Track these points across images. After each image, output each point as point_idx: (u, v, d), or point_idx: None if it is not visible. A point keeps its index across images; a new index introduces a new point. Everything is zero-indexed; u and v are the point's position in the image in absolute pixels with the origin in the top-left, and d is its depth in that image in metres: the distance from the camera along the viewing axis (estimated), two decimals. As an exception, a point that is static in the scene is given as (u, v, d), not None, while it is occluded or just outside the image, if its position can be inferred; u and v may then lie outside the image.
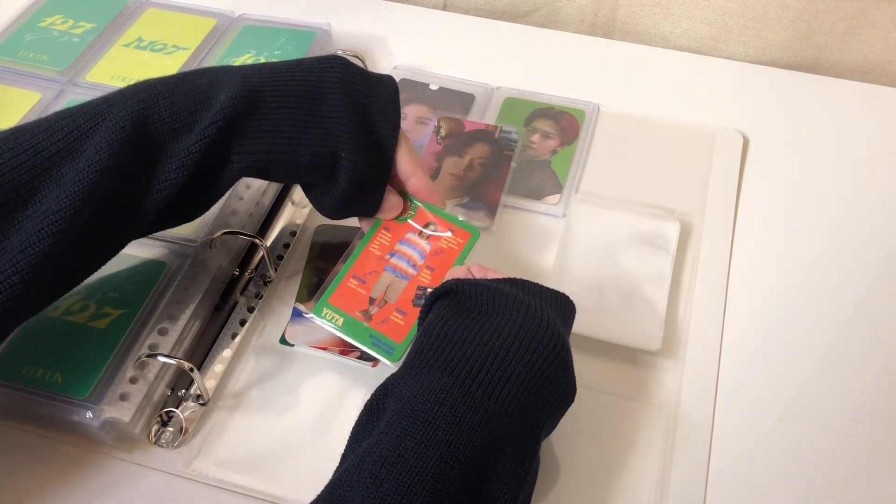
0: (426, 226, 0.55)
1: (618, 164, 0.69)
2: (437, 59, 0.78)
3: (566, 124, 0.72)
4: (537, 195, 0.67)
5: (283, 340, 0.58)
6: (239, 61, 0.74)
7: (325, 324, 0.53)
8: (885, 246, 0.64)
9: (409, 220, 0.56)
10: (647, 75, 0.78)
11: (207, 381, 0.56)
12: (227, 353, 0.57)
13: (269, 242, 0.64)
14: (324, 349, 0.57)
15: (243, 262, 0.63)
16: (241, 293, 0.61)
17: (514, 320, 0.44)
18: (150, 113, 0.46)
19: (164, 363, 0.54)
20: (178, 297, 0.57)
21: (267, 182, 0.65)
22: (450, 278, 0.49)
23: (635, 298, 0.59)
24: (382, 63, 0.78)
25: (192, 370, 0.53)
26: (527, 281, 0.48)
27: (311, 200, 0.56)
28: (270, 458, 0.53)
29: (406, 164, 0.54)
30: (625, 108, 0.74)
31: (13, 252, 0.42)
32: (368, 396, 0.55)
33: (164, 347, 0.54)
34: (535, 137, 0.71)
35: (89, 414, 0.51)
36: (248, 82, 0.48)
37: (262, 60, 0.74)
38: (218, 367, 0.57)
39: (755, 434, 0.54)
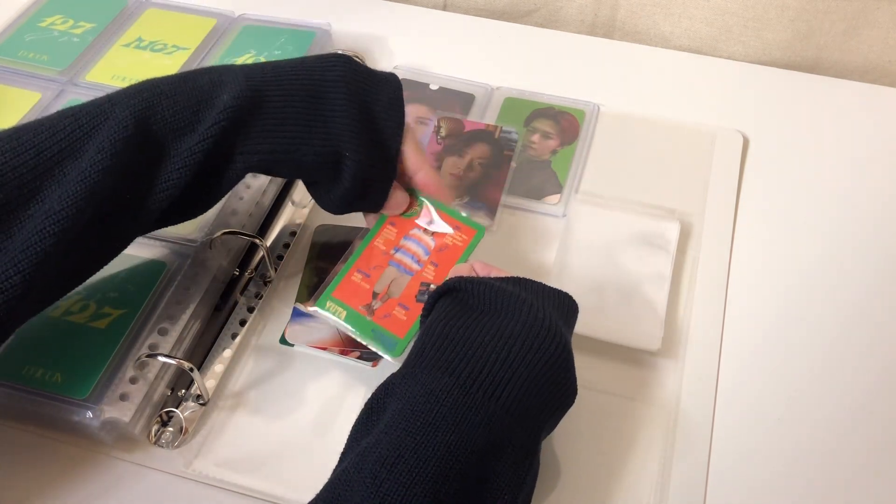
0: (431, 222, 0.55)
1: (618, 164, 0.69)
2: (437, 59, 0.78)
3: (566, 124, 0.72)
4: (537, 195, 0.67)
5: (283, 340, 0.58)
6: (239, 61, 0.74)
7: (328, 316, 0.53)
8: (885, 246, 0.64)
9: (415, 217, 0.56)
10: (647, 75, 0.78)
11: (207, 381, 0.56)
12: (227, 353, 0.57)
13: (269, 242, 0.64)
14: (324, 349, 0.57)
15: (243, 262, 0.63)
16: (241, 293, 0.61)
17: (517, 320, 0.44)
18: (152, 112, 0.46)
19: (164, 363, 0.54)
20: (178, 297, 0.57)
21: (267, 182, 0.65)
22: (453, 276, 0.49)
23: (635, 298, 0.59)
24: (382, 63, 0.78)
25: (192, 370, 0.53)
26: (530, 280, 0.48)
27: (314, 197, 0.56)
28: (270, 458, 0.53)
29: (413, 159, 0.54)
30: (625, 108, 0.74)
31: (15, 251, 0.42)
32: (368, 396, 0.55)
33: (164, 347, 0.54)
34: (535, 137, 0.71)
35: (89, 414, 0.51)
36: (251, 82, 0.48)
37: (263, 60, 0.74)
38: (218, 367, 0.57)
39: (755, 434, 0.54)
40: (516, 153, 0.69)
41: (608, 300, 0.59)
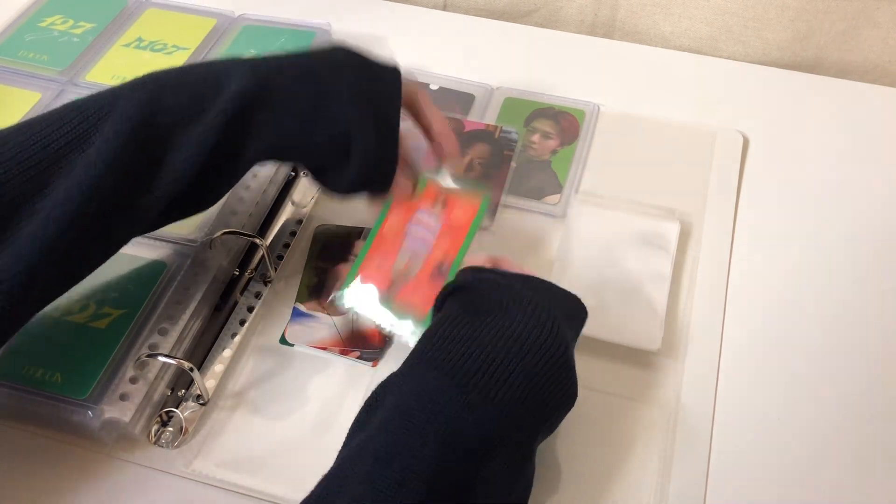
0: (437, 199, 0.56)
1: (618, 164, 0.69)
2: (437, 59, 0.78)
3: (566, 124, 0.72)
4: (537, 195, 0.67)
5: (283, 340, 0.58)
6: (239, 61, 0.74)
7: (351, 305, 0.54)
8: (884, 246, 0.64)
9: (420, 197, 0.57)
10: (647, 75, 0.78)
11: (207, 381, 0.56)
12: (227, 353, 0.57)
13: (269, 242, 0.64)
14: (324, 349, 0.57)
15: (243, 262, 0.63)
16: (241, 293, 0.61)
17: (519, 321, 0.44)
18: (157, 103, 0.46)
19: (164, 363, 0.54)
20: (178, 297, 0.57)
21: (267, 182, 0.65)
22: (467, 266, 0.50)
23: (635, 298, 0.59)
24: (382, 63, 0.78)
25: (192, 370, 0.53)
26: (539, 279, 0.48)
27: (320, 182, 0.56)
28: (270, 458, 0.53)
29: (426, 115, 0.56)
30: (625, 108, 0.74)
31: (21, 244, 0.42)
32: (368, 396, 0.55)
33: (164, 347, 0.54)
34: (535, 137, 0.71)
35: (89, 414, 0.51)
36: (256, 72, 0.49)
37: (262, 60, 0.74)
38: (218, 367, 0.57)
39: (755, 434, 0.54)
40: (516, 153, 0.69)
41: (608, 300, 0.59)
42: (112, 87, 0.48)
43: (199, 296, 0.58)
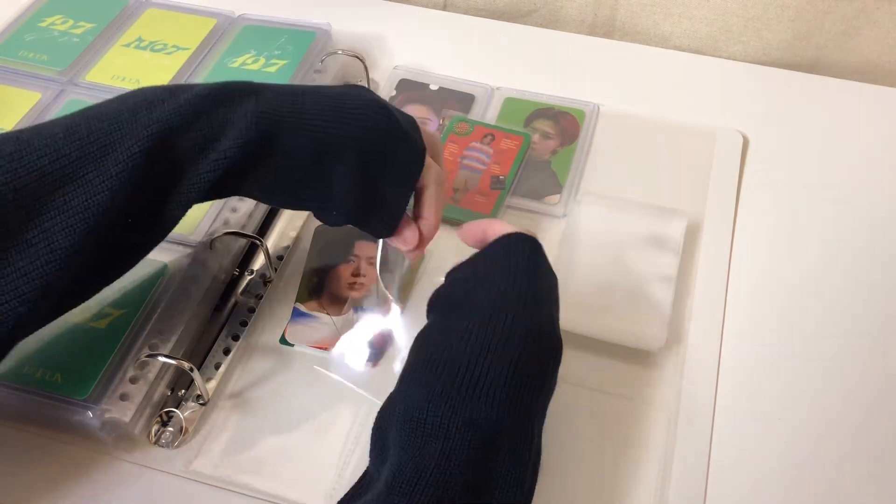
0: (485, 137, 0.70)
1: (618, 164, 0.69)
2: (437, 59, 0.78)
3: (566, 124, 0.72)
4: (537, 195, 0.67)
5: (283, 340, 0.58)
6: (239, 61, 0.74)
7: None
8: (885, 245, 0.64)
9: (470, 136, 0.70)
10: (647, 75, 0.78)
11: (207, 382, 0.56)
12: (227, 353, 0.57)
13: (269, 242, 0.64)
14: (324, 349, 0.57)
15: (243, 262, 0.63)
16: (241, 293, 0.61)
17: (487, 312, 0.45)
18: (162, 146, 0.45)
19: (164, 363, 0.54)
20: (178, 298, 0.57)
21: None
22: (466, 230, 0.51)
23: (637, 298, 0.59)
24: (382, 63, 0.78)
25: (192, 370, 0.53)
26: (502, 249, 0.49)
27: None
28: (270, 458, 0.53)
29: (423, 208, 0.53)
30: (625, 108, 0.74)
31: (16, 281, 0.42)
32: (368, 396, 0.55)
33: (164, 347, 0.54)
34: (535, 137, 0.71)
35: (89, 414, 0.51)
36: (261, 123, 0.46)
37: (262, 61, 0.74)
38: (218, 368, 0.57)
39: (755, 434, 0.54)
40: (521, 155, 0.69)
41: (609, 300, 0.59)
42: (115, 107, 0.45)
43: (199, 296, 0.58)
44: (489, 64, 0.78)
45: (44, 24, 0.79)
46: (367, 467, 0.45)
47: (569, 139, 0.71)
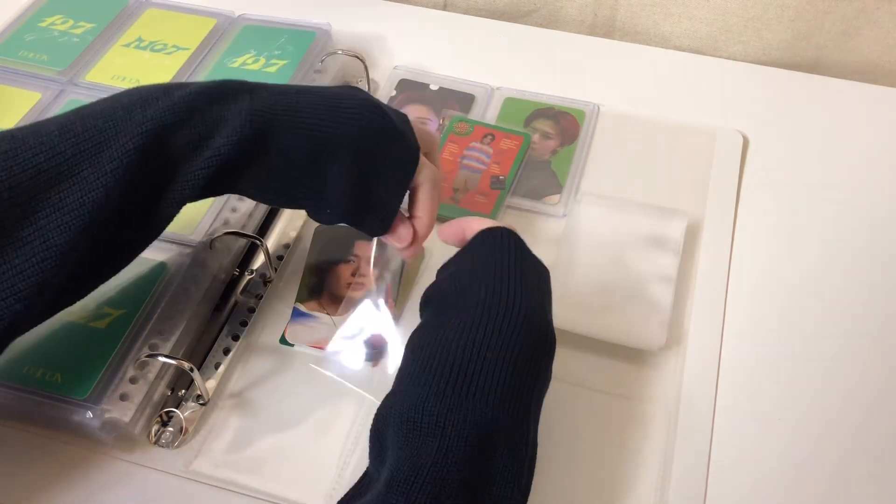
0: (485, 137, 0.69)
1: (618, 164, 0.69)
2: (437, 59, 0.78)
3: (566, 124, 0.72)
4: (537, 195, 0.67)
5: (283, 340, 0.58)
6: (239, 61, 0.74)
7: None
8: (885, 245, 0.64)
9: (470, 136, 0.70)
10: (647, 75, 0.78)
11: (207, 381, 0.56)
12: (227, 353, 0.57)
13: (269, 242, 0.64)
14: (324, 349, 0.57)
15: (243, 262, 0.63)
16: (241, 293, 0.61)
17: (475, 306, 0.45)
18: (157, 144, 0.45)
19: (165, 363, 0.54)
20: (178, 297, 0.57)
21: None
22: (444, 231, 0.52)
23: (637, 298, 0.59)
24: (382, 63, 0.78)
25: (192, 370, 0.53)
26: (485, 244, 0.49)
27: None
28: (270, 458, 0.53)
29: (419, 205, 0.53)
30: (625, 108, 0.74)
31: (12, 279, 0.42)
32: (368, 396, 0.55)
33: (164, 347, 0.54)
34: (536, 137, 0.71)
35: (89, 414, 0.51)
36: (255, 121, 0.46)
37: (262, 61, 0.74)
38: (218, 368, 0.57)
39: (755, 433, 0.54)
40: (521, 155, 0.69)
41: (610, 300, 0.59)
42: (111, 105, 0.45)
43: (199, 296, 0.58)
44: (489, 64, 0.78)
45: (44, 24, 0.79)
46: (367, 468, 0.45)
47: (569, 139, 0.71)
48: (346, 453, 0.53)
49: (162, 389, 0.55)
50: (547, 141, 0.71)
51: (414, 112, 0.73)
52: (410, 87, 0.76)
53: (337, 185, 0.49)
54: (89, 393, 0.52)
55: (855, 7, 0.75)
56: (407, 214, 0.54)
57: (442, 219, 0.63)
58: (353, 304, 0.59)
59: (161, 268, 0.59)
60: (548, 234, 0.64)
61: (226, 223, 0.62)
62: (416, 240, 0.53)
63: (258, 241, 0.61)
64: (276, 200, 0.52)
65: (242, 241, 0.63)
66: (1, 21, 0.80)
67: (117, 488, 0.51)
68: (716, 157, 0.70)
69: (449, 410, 0.41)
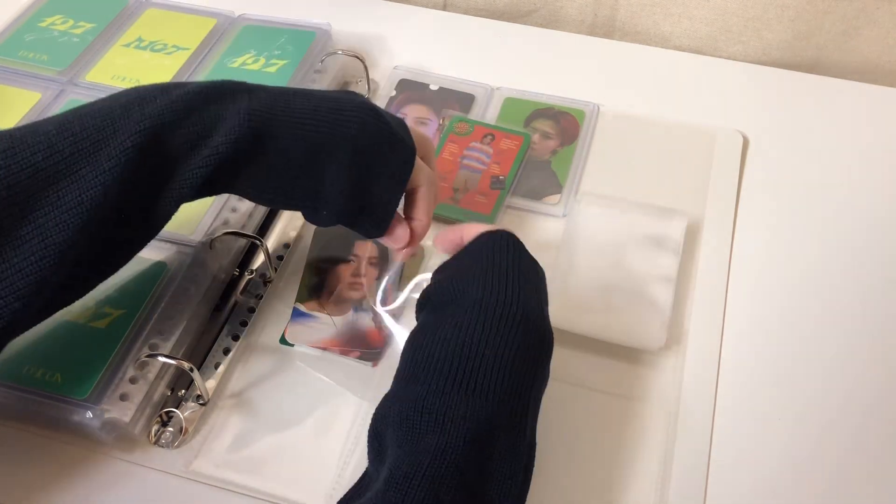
0: (485, 137, 0.69)
1: (618, 164, 0.69)
2: (437, 59, 0.78)
3: (566, 124, 0.72)
4: (537, 195, 0.67)
5: (283, 340, 0.58)
6: (239, 61, 0.74)
7: None
8: (885, 245, 0.64)
9: (470, 136, 0.70)
10: (647, 75, 0.78)
11: (207, 381, 0.56)
12: (227, 353, 0.57)
13: (269, 242, 0.64)
14: (324, 349, 0.57)
15: (243, 262, 0.63)
16: (241, 293, 0.61)
17: (473, 303, 0.45)
18: (155, 142, 0.45)
19: (164, 363, 0.54)
20: (178, 297, 0.57)
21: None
22: (443, 236, 0.51)
23: (637, 299, 0.59)
24: (382, 63, 0.78)
25: (192, 370, 0.53)
26: (484, 245, 0.49)
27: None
28: (270, 458, 0.53)
29: (416, 208, 0.53)
30: (625, 108, 0.74)
31: (11, 277, 0.42)
32: (368, 396, 0.55)
33: (164, 347, 0.54)
34: (535, 137, 0.71)
35: (89, 414, 0.51)
36: (253, 120, 0.46)
37: (262, 61, 0.74)
38: (218, 368, 0.57)
39: (755, 433, 0.54)
40: (521, 155, 0.69)
41: (610, 300, 0.59)
42: (109, 104, 0.46)
43: (199, 296, 0.58)
44: (489, 64, 0.78)
45: (44, 24, 0.79)
46: (367, 468, 0.45)
47: (569, 139, 0.71)
48: (346, 453, 0.53)
49: (162, 389, 0.55)
50: (547, 141, 0.71)
51: (414, 112, 0.73)
52: (410, 87, 0.76)
53: (334, 186, 0.49)
54: (89, 393, 0.52)
55: (855, 7, 0.75)
56: (403, 216, 0.54)
57: (441, 219, 0.64)
58: (353, 304, 0.59)
59: (161, 268, 0.59)
60: (548, 234, 0.64)
61: (226, 223, 0.62)
62: (413, 241, 0.54)
63: (258, 241, 0.61)
64: (273, 201, 0.52)
65: (242, 241, 0.63)
66: (1, 21, 0.80)
67: (117, 488, 0.51)
68: (716, 157, 0.70)
69: (448, 407, 0.41)
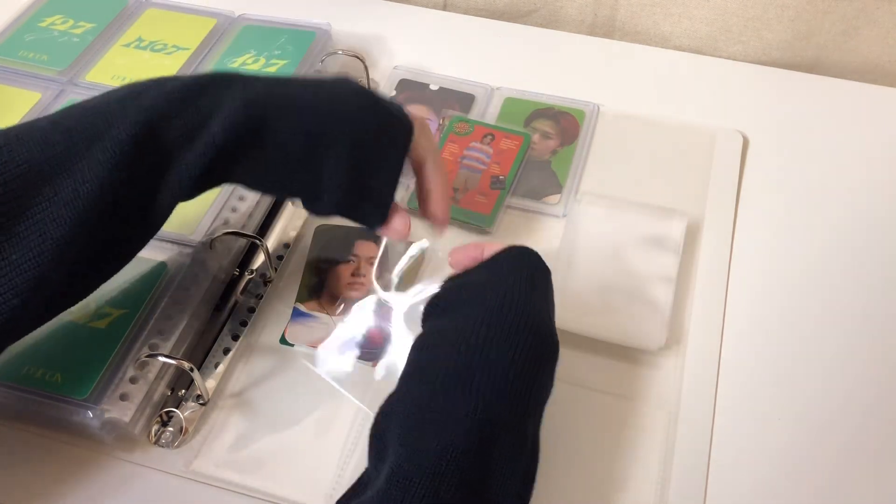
0: (485, 136, 0.69)
1: (618, 164, 0.69)
2: (437, 59, 0.78)
3: (566, 124, 0.72)
4: (537, 195, 0.67)
5: (283, 340, 0.58)
6: (239, 61, 0.74)
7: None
8: (885, 245, 0.64)
9: (470, 136, 0.69)
10: (647, 75, 0.78)
11: (207, 381, 0.56)
12: (227, 353, 0.57)
13: (269, 242, 0.64)
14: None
15: (243, 262, 0.63)
16: (241, 293, 0.61)
17: (480, 305, 0.45)
18: (150, 135, 0.45)
19: (165, 363, 0.54)
20: (178, 298, 0.57)
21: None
22: (461, 252, 0.50)
23: (637, 298, 0.59)
24: (382, 63, 0.78)
25: (192, 370, 0.53)
26: (500, 255, 0.49)
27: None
28: (270, 458, 0.53)
29: (428, 181, 0.53)
30: (625, 108, 0.74)
31: (10, 272, 0.42)
32: (368, 396, 0.55)
33: (164, 347, 0.54)
34: (535, 137, 0.71)
35: (89, 414, 0.51)
36: (249, 109, 0.46)
37: (262, 61, 0.74)
38: (218, 367, 0.57)
39: (755, 434, 0.54)
40: (521, 155, 0.69)
41: (610, 300, 0.59)
42: (105, 100, 0.46)
43: (199, 296, 0.58)
44: (489, 64, 0.78)
45: (44, 24, 0.79)
46: (366, 468, 0.45)
47: (569, 139, 0.71)
48: (346, 453, 0.53)
49: (162, 389, 0.55)
50: (547, 141, 0.71)
51: (414, 112, 0.73)
52: (410, 87, 0.76)
53: (334, 170, 0.49)
54: (89, 393, 0.52)
55: (855, 7, 0.75)
56: (405, 207, 0.54)
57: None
58: (353, 304, 0.59)
59: (161, 268, 0.59)
60: (548, 234, 0.64)
61: (226, 223, 0.62)
62: (438, 215, 0.54)
63: (258, 241, 0.61)
64: (271, 189, 0.52)
65: (242, 241, 0.63)
66: (1, 21, 0.80)
67: (117, 488, 0.51)
68: (716, 157, 0.70)
69: (451, 407, 0.41)
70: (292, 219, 0.66)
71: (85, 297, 0.49)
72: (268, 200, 0.65)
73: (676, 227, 0.62)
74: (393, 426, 0.43)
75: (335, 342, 0.57)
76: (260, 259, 0.63)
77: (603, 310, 0.58)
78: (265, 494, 0.51)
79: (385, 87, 0.76)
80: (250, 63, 0.74)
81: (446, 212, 0.54)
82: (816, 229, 0.65)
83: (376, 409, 0.45)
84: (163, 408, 0.54)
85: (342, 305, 0.60)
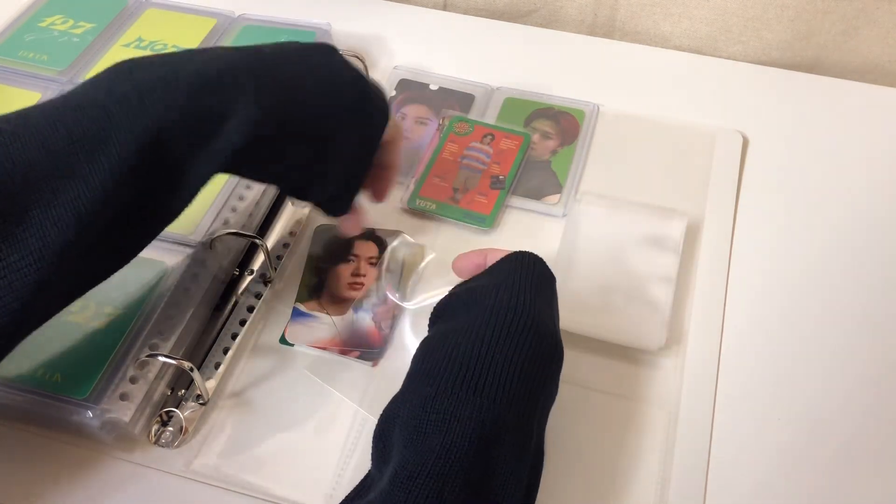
0: (485, 136, 0.70)
1: (618, 164, 0.69)
2: (437, 59, 0.78)
3: (566, 124, 0.72)
4: (537, 195, 0.67)
5: (283, 340, 0.58)
6: (239, 61, 0.74)
7: (422, 207, 0.65)
8: (885, 245, 0.64)
9: (470, 135, 0.70)
10: (647, 75, 0.78)
11: (207, 381, 0.56)
12: (227, 353, 0.57)
13: (269, 242, 0.64)
14: (324, 349, 0.57)
15: (243, 262, 0.63)
16: (241, 293, 0.61)
17: (485, 308, 0.45)
18: (157, 141, 0.44)
19: (164, 363, 0.54)
20: (178, 297, 0.57)
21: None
22: (465, 259, 0.52)
23: (637, 298, 0.59)
24: (382, 63, 0.78)
25: (192, 370, 0.53)
26: (505, 260, 0.49)
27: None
28: (270, 457, 0.53)
29: (393, 155, 0.58)
30: (625, 108, 0.74)
31: (9, 274, 0.41)
32: (368, 396, 0.55)
33: (164, 347, 0.54)
34: (535, 137, 0.71)
35: (89, 414, 0.51)
36: (261, 107, 0.47)
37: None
38: (218, 367, 0.57)
39: (755, 433, 0.54)
40: (520, 155, 0.69)
41: (610, 300, 0.59)
42: (105, 98, 0.45)
43: (199, 296, 0.58)
44: (489, 64, 0.78)
45: (44, 24, 0.79)
46: (370, 470, 0.45)
47: (569, 139, 0.71)
48: (346, 453, 0.53)
49: (162, 389, 0.55)
50: (547, 141, 0.71)
51: (414, 112, 0.73)
52: (410, 87, 0.76)
53: (331, 166, 0.52)
54: (89, 393, 0.52)
55: (855, 7, 0.75)
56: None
57: (440, 219, 0.64)
58: (353, 303, 0.59)
59: (161, 268, 0.59)
60: (548, 234, 0.64)
61: (226, 223, 0.62)
62: (386, 191, 0.60)
63: (258, 241, 0.61)
64: (268, 181, 0.55)
65: (242, 241, 0.63)
66: (1, 21, 0.80)
67: (117, 488, 0.51)
68: (716, 157, 0.70)
69: (454, 407, 0.41)
70: (292, 219, 0.66)
71: (83, 294, 0.48)
72: (268, 200, 0.65)
73: (676, 227, 0.62)
74: (397, 428, 0.43)
75: (335, 343, 0.57)
76: (260, 259, 0.63)
77: (603, 310, 0.58)
78: (265, 494, 0.51)
79: (385, 87, 0.76)
80: (250, 63, 0.74)
81: (388, 188, 0.60)
82: (816, 229, 0.65)
83: (375, 411, 0.45)
84: (163, 408, 0.54)
85: (342, 305, 0.60)
